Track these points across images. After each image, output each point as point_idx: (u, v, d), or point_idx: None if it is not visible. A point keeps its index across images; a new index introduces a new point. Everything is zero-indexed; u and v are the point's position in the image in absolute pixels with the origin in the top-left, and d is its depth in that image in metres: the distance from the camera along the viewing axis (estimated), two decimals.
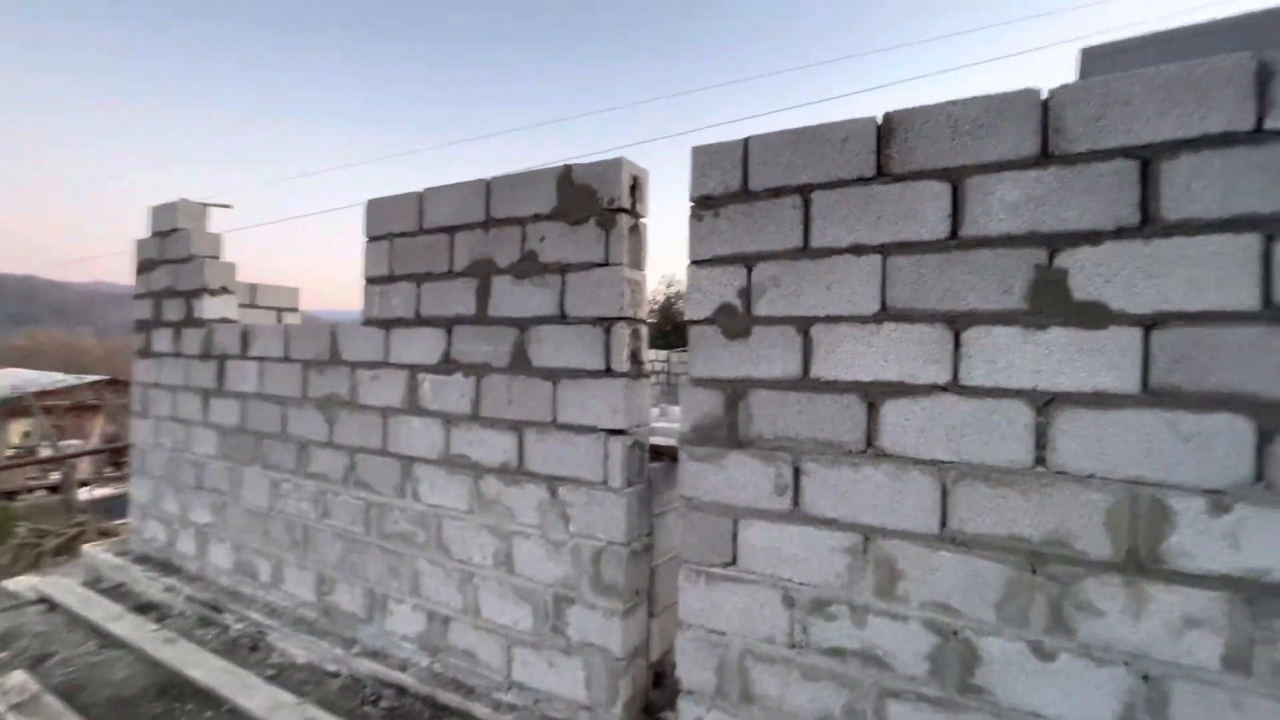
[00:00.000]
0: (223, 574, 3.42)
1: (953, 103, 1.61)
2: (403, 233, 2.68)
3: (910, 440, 1.64)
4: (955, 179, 1.60)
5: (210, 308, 3.63)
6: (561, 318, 2.26)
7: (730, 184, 1.91)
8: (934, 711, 1.60)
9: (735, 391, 1.90)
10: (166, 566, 3.70)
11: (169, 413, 3.76)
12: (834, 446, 1.75)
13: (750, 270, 1.87)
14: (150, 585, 3.52)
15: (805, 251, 1.80)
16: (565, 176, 2.27)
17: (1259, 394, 1.29)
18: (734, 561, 1.90)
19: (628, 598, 2.19)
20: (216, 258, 3.73)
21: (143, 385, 3.95)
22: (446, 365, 2.54)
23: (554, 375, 2.28)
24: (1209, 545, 1.32)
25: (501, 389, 2.39)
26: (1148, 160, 1.39)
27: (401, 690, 2.50)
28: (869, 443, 1.70)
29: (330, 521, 2.92)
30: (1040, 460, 1.49)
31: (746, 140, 1.88)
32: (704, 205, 1.95)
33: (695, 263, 1.97)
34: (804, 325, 1.80)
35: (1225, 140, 1.32)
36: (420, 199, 2.64)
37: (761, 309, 1.86)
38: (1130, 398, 1.40)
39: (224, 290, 3.72)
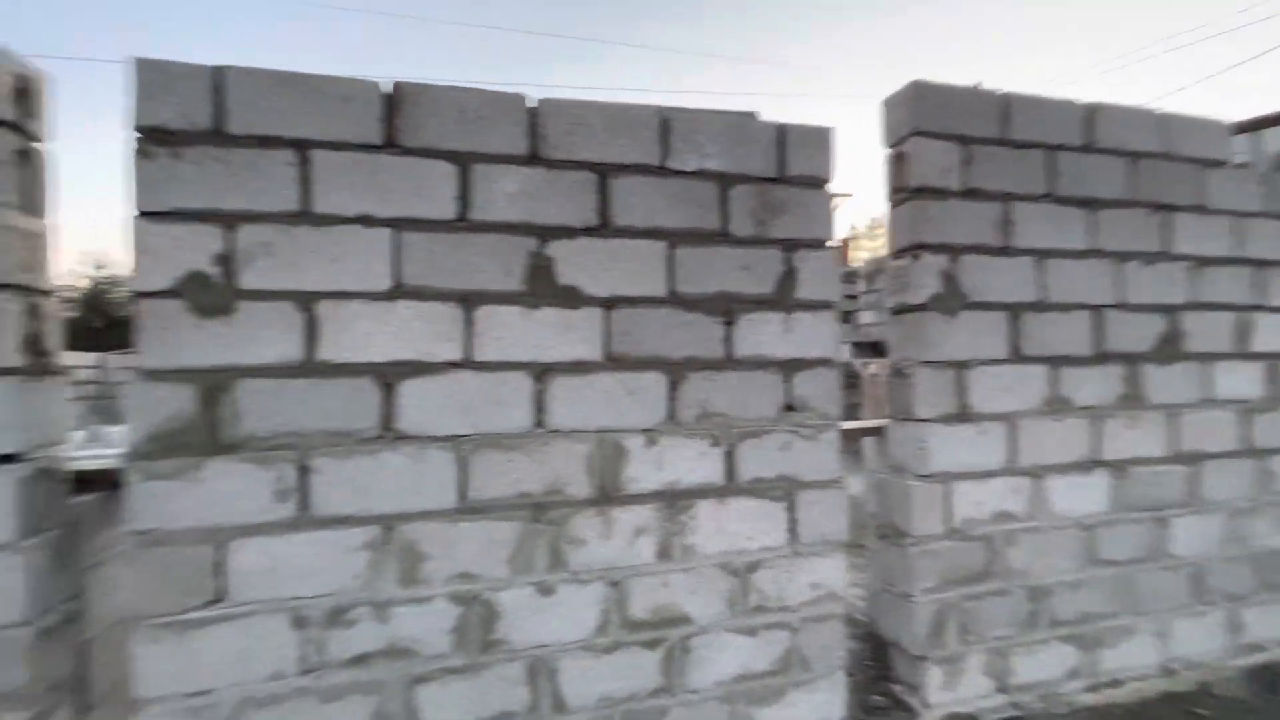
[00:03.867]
0: None
1: (459, 89, 1.67)
2: None
3: (429, 419, 1.63)
4: (464, 163, 1.66)
5: None
6: None
7: (198, 120, 1.50)
8: (461, 680, 1.64)
9: (215, 384, 1.51)
10: None
11: None
12: (348, 436, 1.59)
13: (234, 233, 1.52)
14: None
15: (305, 217, 1.57)
16: None
17: (670, 355, 1.80)
18: (222, 597, 1.51)
19: (36, 700, 1.48)
20: None
21: None
22: None
23: None
24: (647, 470, 1.76)
25: None
26: (604, 175, 1.75)
27: None
28: (386, 426, 1.61)
29: None
30: (540, 423, 1.70)
31: (222, 69, 1.52)
32: (157, 140, 1.48)
33: (147, 215, 1.48)
34: (307, 301, 1.57)
35: (643, 169, 1.78)
36: None
37: (251, 280, 1.53)
38: (597, 364, 1.74)
39: None
